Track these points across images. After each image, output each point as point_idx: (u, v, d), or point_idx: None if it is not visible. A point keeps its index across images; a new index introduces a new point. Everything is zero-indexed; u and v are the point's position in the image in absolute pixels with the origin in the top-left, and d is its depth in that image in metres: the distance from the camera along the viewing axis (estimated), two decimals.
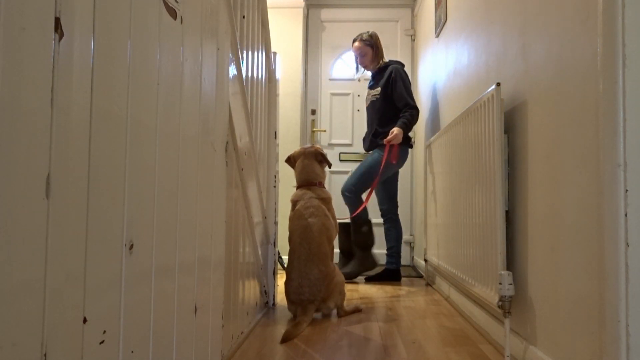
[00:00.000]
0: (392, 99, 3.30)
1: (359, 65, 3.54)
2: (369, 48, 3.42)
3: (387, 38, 4.43)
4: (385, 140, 3.19)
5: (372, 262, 3.32)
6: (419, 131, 3.92)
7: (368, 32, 3.48)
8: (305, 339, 1.88)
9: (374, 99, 3.40)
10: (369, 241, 3.31)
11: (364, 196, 3.32)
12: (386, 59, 3.51)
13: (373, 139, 3.36)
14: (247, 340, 1.85)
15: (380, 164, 3.23)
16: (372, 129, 3.40)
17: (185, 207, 1.04)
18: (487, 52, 2.00)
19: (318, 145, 2.66)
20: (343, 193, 3.34)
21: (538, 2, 1.46)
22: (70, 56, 0.62)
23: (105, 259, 0.71)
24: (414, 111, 3.22)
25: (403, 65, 3.43)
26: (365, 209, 3.31)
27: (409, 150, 3.39)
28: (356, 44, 3.46)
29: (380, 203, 3.42)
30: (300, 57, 4.22)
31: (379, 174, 3.21)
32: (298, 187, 2.44)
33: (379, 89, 3.36)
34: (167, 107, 0.93)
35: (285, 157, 2.60)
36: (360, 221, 3.28)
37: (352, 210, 3.31)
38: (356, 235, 3.31)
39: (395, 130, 3.16)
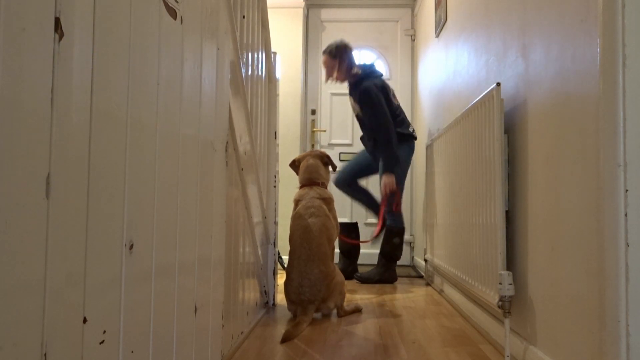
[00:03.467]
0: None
1: (329, 78, 3.35)
2: (335, 61, 3.22)
3: (387, 38, 4.43)
4: (383, 194, 3.18)
5: (392, 275, 3.28)
6: (419, 131, 3.92)
7: (336, 42, 3.26)
8: (305, 339, 1.88)
9: (358, 113, 3.33)
10: (396, 254, 3.27)
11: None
12: (358, 69, 3.27)
13: (375, 142, 3.32)
14: (247, 340, 1.85)
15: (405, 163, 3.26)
16: (369, 134, 3.34)
17: (185, 207, 1.04)
18: (487, 52, 2.00)
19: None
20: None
21: (538, 2, 1.46)
22: (70, 56, 0.62)
23: (105, 259, 0.71)
24: (387, 130, 3.10)
25: (379, 75, 3.29)
26: (402, 218, 3.29)
27: (414, 142, 3.34)
28: (323, 57, 3.30)
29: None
30: (300, 57, 4.21)
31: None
32: (301, 187, 2.46)
33: (358, 107, 3.28)
34: (167, 107, 0.93)
35: (285, 158, 2.60)
36: (395, 231, 3.24)
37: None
38: (386, 244, 3.25)
39: (385, 178, 3.13)
